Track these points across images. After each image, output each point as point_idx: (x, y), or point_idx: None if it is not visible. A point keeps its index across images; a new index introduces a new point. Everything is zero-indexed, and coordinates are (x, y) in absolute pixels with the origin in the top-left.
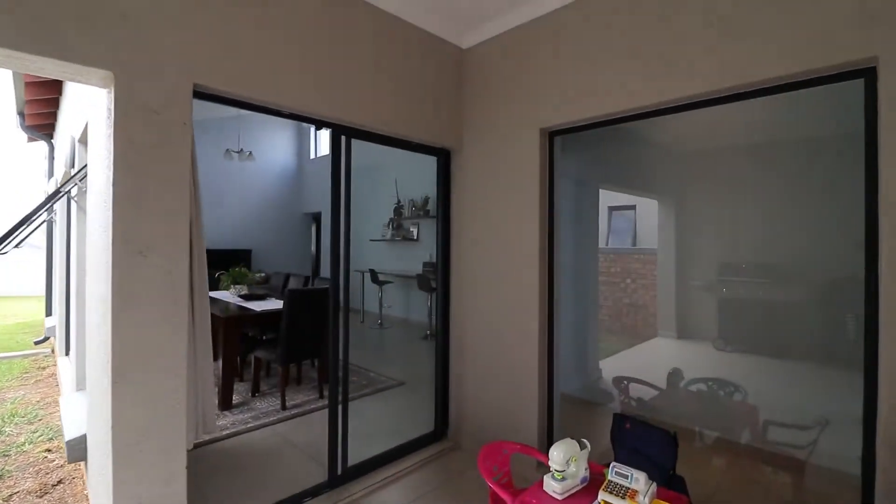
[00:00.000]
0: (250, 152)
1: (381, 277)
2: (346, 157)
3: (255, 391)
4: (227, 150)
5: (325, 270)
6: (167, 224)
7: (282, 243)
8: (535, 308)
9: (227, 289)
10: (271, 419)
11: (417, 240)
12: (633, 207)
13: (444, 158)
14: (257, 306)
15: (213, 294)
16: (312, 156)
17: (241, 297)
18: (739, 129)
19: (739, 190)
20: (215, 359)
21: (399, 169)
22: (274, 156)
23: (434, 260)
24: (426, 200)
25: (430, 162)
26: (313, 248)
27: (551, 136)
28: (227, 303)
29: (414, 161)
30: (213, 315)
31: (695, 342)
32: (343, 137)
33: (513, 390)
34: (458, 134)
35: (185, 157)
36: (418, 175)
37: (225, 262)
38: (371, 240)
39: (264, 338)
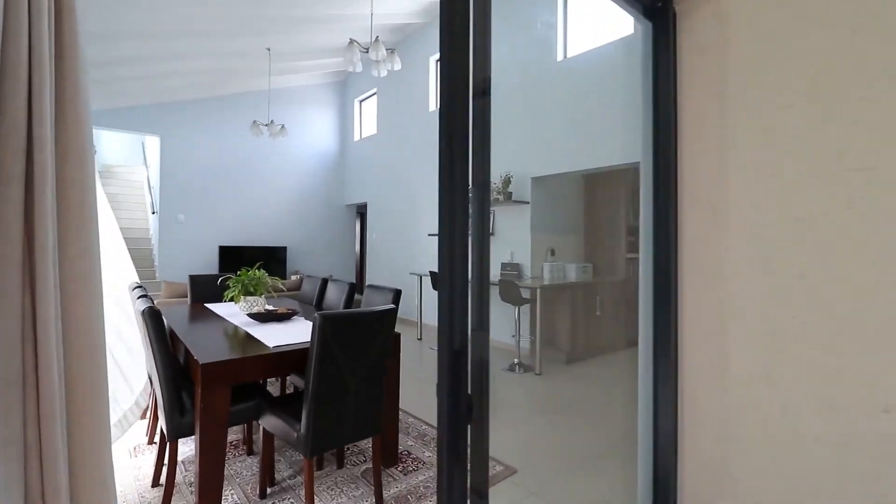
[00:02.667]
0: (282, 126)
1: None
2: None
3: (267, 486)
4: (255, 121)
5: (372, 275)
6: None
7: (321, 240)
8: None
9: (236, 300)
10: None
11: (493, 233)
12: None
13: (659, 26)
14: (273, 335)
15: (217, 308)
16: (356, 137)
17: (252, 316)
18: None
19: None
20: (190, 434)
21: None
22: (311, 137)
23: (515, 260)
24: (507, 181)
25: (513, 124)
26: (357, 247)
27: None
28: (235, 326)
29: (491, 129)
30: (188, 355)
31: None
32: None
33: None
34: None
35: None
36: (496, 147)
37: (253, 264)
38: (430, 234)
39: (287, 391)
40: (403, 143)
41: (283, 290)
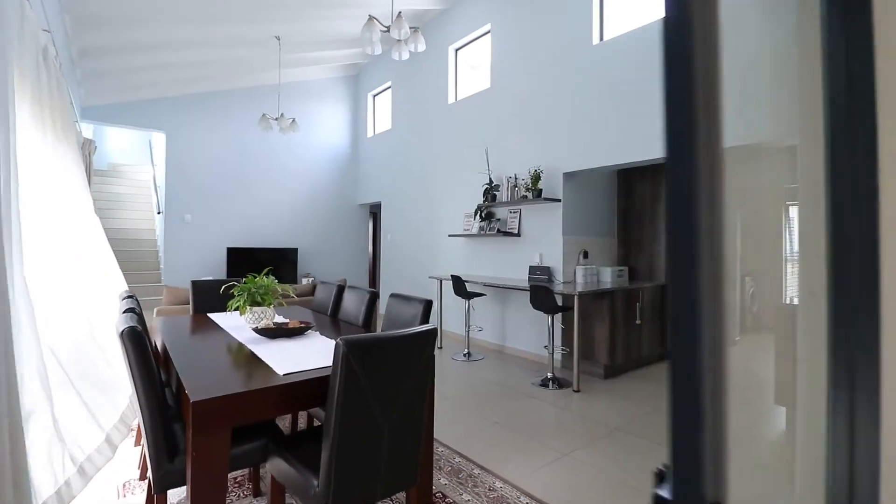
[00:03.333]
0: (293, 119)
1: (468, 287)
2: None
3: None
4: (264, 115)
5: (387, 278)
6: None
7: (333, 241)
8: None
9: (242, 311)
10: None
11: (519, 234)
12: None
13: None
14: (284, 357)
15: (221, 319)
16: (370, 133)
17: (259, 331)
18: None
19: None
20: (182, 484)
21: (493, 134)
22: (322, 133)
23: (544, 263)
24: (537, 176)
25: (544, 113)
26: (370, 248)
27: None
28: (239, 344)
29: (517, 121)
30: (180, 386)
31: None
32: None
33: None
34: None
35: None
36: (524, 140)
37: (263, 267)
38: (450, 235)
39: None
40: (420, 138)
41: (293, 298)
